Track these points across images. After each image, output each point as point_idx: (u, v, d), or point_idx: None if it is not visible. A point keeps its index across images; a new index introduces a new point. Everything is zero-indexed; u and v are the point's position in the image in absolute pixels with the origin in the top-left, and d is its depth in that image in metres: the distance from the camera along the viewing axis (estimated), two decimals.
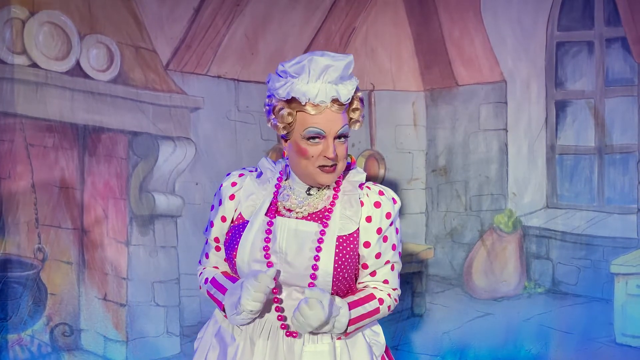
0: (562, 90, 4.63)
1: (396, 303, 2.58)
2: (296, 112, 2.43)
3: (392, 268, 2.55)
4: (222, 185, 2.58)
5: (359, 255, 2.50)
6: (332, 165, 2.45)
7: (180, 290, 4.32)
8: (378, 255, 2.51)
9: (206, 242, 2.66)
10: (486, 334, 4.65)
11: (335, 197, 2.52)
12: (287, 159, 2.55)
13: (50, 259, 4.07)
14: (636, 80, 4.44)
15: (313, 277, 2.44)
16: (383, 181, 4.72)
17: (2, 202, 3.96)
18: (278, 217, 2.49)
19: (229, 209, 2.55)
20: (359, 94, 2.50)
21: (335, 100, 2.42)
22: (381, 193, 2.54)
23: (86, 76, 4.12)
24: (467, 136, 4.76)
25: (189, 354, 4.30)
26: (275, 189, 2.54)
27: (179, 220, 4.33)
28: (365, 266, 2.52)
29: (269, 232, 2.47)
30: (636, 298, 4.40)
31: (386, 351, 2.64)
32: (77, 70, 4.11)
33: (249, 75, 4.45)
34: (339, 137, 2.44)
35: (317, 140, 2.43)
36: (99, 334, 4.18)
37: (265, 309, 2.49)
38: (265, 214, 2.51)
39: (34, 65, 4.01)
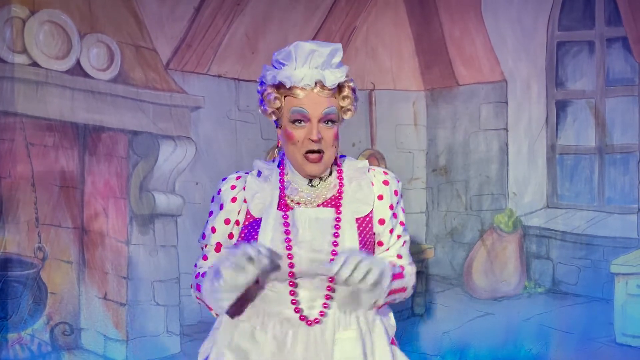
0: (563, 90, 4.63)
1: (414, 282, 2.59)
2: (284, 97, 2.48)
3: (404, 244, 2.59)
4: (220, 190, 2.57)
5: (374, 233, 2.54)
6: (318, 152, 2.46)
7: (180, 290, 4.32)
8: (391, 231, 2.55)
9: (203, 248, 2.62)
10: (486, 334, 4.65)
11: (341, 185, 2.55)
12: (283, 153, 2.57)
13: (51, 258, 4.07)
14: (637, 80, 4.44)
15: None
16: None
17: (2, 201, 3.96)
18: (296, 209, 2.49)
19: (231, 212, 2.54)
20: (351, 83, 2.52)
21: (320, 84, 2.45)
22: (385, 173, 2.61)
23: (86, 75, 4.12)
24: (467, 136, 4.76)
25: (189, 353, 4.30)
26: (280, 184, 2.55)
27: (179, 220, 4.33)
28: (380, 243, 2.56)
29: (286, 224, 2.47)
30: (636, 298, 4.40)
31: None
32: (78, 70, 4.11)
33: (249, 74, 4.45)
34: (325, 121, 2.46)
35: (302, 123, 2.45)
36: (99, 333, 4.18)
37: (282, 304, 2.47)
38: (277, 209, 2.51)
39: (35, 64, 4.01)
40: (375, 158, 4.77)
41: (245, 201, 2.54)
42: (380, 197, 2.55)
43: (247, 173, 2.61)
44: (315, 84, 2.45)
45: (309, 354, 2.46)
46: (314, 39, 4.57)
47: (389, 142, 4.81)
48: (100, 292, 4.18)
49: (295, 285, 2.47)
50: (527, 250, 4.67)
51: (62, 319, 4.11)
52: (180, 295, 4.31)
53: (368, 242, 2.52)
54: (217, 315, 2.57)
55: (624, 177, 4.49)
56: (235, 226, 2.54)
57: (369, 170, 2.60)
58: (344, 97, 2.50)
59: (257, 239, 2.47)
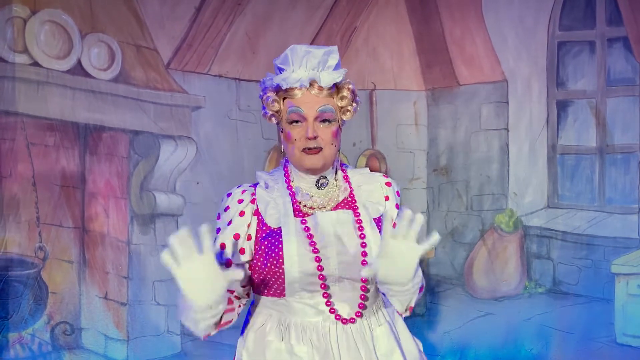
0: (564, 90, 4.63)
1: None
2: (282, 99, 2.51)
3: None
4: (228, 207, 2.53)
5: None
6: (315, 148, 2.48)
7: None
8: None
9: None
10: (487, 334, 4.65)
11: (351, 188, 2.58)
12: (286, 159, 2.57)
13: (51, 257, 4.07)
14: (637, 80, 4.43)
15: (364, 263, 2.45)
16: None
17: (3, 201, 3.96)
18: (316, 213, 2.50)
19: (241, 226, 2.51)
20: (350, 85, 2.54)
21: (315, 84, 2.48)
22: (385, 176, 2.66)
23: (87, 75, 4.13)
24: (468, 136, 4.76)
25: (189, 353, 4.31)
26: (289, 190, 2.55)
27: (180, 219, 4.33)
28: None
29: (307, 229, 2.48)
30: (637, 298, 4.40)
31: None
32: (78, 69, 4.11)
33: (250, 74, 4.46)
34: (322, 120, 2.48)
35: (299, 123, 2.48)
36: (99, 333, 4.18)
37: (315, 312, 2.47)
38: (294, 216, 2.51)
39: (35, 64, 4.01)
40: (376, 158, 4.77)
41: (255, 214, 2.52)
42: (387, 198, 2.60)
43: (252, 186, 2.59)
44: (311, 84, 2.48)
45: (352, 353, 2.46)
46: (314, 38, 4.57)
47: (390, 142, 4.81)
48: (101, 291, 4.18)
49: (326, 287, 2.47)
50: (527, 250, 4.67)
51: (63, 318, 4.11)
52: None
53: None
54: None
55: (624, 177, 4.48)
56: (247, 241, 2.50)
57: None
58: (341, 98, 2.52)
59: (281, 248, 2.45)
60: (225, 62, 4.44)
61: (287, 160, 2.58)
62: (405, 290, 2.41)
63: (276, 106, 2.51)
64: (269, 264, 2.45)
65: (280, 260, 2.44)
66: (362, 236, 2.48)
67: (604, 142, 4.52)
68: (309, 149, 2.48)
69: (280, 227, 2.48)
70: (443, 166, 4.81)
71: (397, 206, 2.60)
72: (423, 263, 4.75)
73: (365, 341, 2.48)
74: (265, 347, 2.50)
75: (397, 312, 2.55)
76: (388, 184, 2.61)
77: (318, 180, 2.55)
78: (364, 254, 2.46)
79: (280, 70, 2.52)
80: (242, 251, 2.50)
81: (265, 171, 2.65)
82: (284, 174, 2.58)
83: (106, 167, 4.19)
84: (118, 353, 4.19)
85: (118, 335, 4.20)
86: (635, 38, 4.42)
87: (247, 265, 2.49)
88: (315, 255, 2.44)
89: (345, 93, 2.52)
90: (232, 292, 2.46)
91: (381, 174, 2.66)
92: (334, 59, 2.51)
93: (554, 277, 4.62)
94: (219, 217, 2.56)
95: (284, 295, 2.47)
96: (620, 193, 4.49)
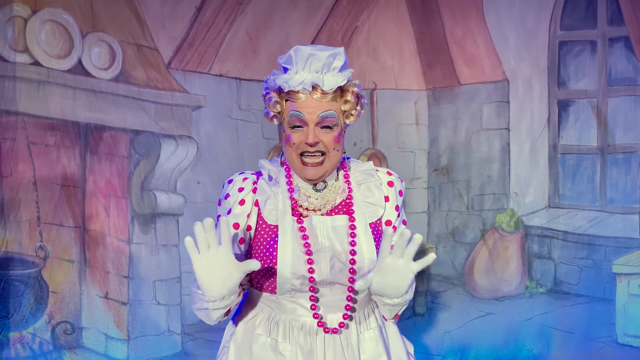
0: (565, 89, 4.63)
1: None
2: (285, 100, 2.48)
3: None
4: (228, 194, 2.53)
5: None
6: (314, 155, 2.45)
7: (181, 289, 4.32)
8: (395, 230, 2.55)
9: None
10: (488, 334, 4.65)
11: (350, 189, 2.54)
12: (283, 156, 2.55)
13: (52, 257, 4.08)
14: (639, 80, 4.43)
15: (352, 271, 2.45)
16: None
17: (3, 200, 3.97)
18: (312, 216, 2.49)
19: (241, 216, 2.50)
20: (355, 88, 2.50)
21: (317, 88, 2.44)
22: (389, 173, 2.62)
23: (88, 74, 4.12)
24: (469, 135, 4.76)
25: (190, 352, 4.31)
26: (288, 186, 2.53)
27: (181, 219, 4.33)
28: None
29: (302, 230, 2.47)
30: (638, 298, 4.39)
31: None
32: (79, 69, 4.11)
33: (250, 73, 4.45)
34: (324, 126, 2.45)
35: (300, 128, 2.45)
36: (100, 332, 4.18)
37: (303, 313, 2.47)
38: (292, 216, 2.50)
39: (36, 63, 4.01)
40: (377, 158, 4.76)
41: (256, 204, 2.51)
42: (387, 199, 2.57)
43: (254, 174, 2.58)
44: (314, 88, 2.44)
45: (338, 357, 2.47)
46: (315, 38, 4.57)
47: (391, 141, 4.80)
48: (101, 291, 4.18)
49: (315, 290, 2.47)
50: (528, 250, 4.67)
51: (64, 318, 4.11)
52: (182, 294, 4.31)
53: None
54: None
55: (625, 177, 4.48)
56: (246, 231, 2.51)
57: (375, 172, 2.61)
58: (345, 102, 2.49)
59: (276, 248, 2.45)
60: (226, 61, 4.44)
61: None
62: (395, 304, 2.45)
63: (278, 107, 2.48)
64: (262, 262, 2.45)
65: (274, 260, 2.45)
66: (353, 243, 2.46)
67: (605, 142, 4.52)
68: (308, 155, 2.46)
69: (277, 225, 2.47)
70: (444, 166, 4.81)
71: (397, 208, 2.57)
72: None
73: (350, 344, 2.48)
74: (253, 341, 2.51)
75: (384, 317, 2.55)
76: (390, 184, 2.58)
77: (316, 183, 2.54)
78: (352, 262, 2.45)
79: (285, 69, 2.48)
80: (242, 241, 2.51)
81: (268, 160, 2.62)
82: (285, 169, 2.56)
83: (107, 166, 4.19)
84: (118, 352, 4.20)
85: (119, 335, 4.20)
86: (636, 38, 4.41)
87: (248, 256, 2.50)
88: (308, 257, 2.44)
89: (349, 97, 2.48)
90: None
91: (385, 171, 2.63)
92: (339, 60, 2.46)
93: (555, 277, 4.61)
94: (219, 204, 2.56)
95: (275, 293, 2.47)
96: (622, 193, 4.49)
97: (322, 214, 2.50)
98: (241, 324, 2.54)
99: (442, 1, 4.72)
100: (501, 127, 4.72)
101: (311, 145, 2.44)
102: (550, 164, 4.64)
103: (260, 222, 2.50)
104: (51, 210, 4.07)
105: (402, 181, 2.63)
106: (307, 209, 2.51)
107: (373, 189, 2.56)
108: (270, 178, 2.55)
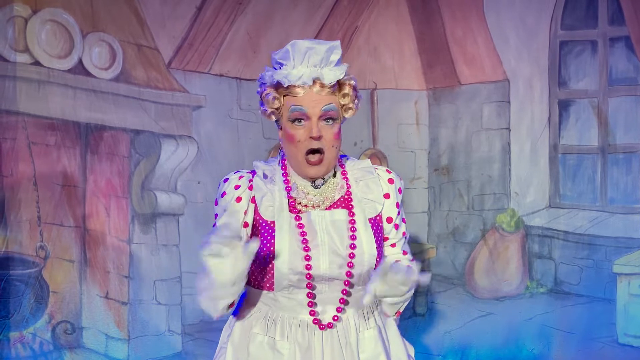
0: (565, 89, 4.62)
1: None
2: (283, 96, 2.46)
3: (406, 239, 2.65)
4: (225, 192, 2.53)
5: (384, 232, 2.57)
6: (318, 151, 2.44)
7: (182, 289, 4.32)
8: (397, 227, 2.58)
9: None
10: (488, 334, 4.65)
11: (348, 185, 2.54)
12: (282, 151, 2.55)
13: (52, 257, 4.08)
14: (639, 80, 4.43)
15: (350, 265, 2.45)
16: None
17: (4, 200, 3.97)
18: (310, 212, 2.48)
19: (238, 213, 2.49)
20: (352, 81, 2.50)
21: (318, 82, 2.44)
22: (389, 171, 2.63)
23: (88, 74, 4.13)
24: (469, 135, 4.75)
25: (190, 352, 4.31)
26: (285, 184, 2.53)
27: (181, 219, 4.33)
28: (386, 239, 2.58)
29: (300, 226, 2.46)
30: (638, 298, 4.39)
31: None
32: (80, 69, 4.11)
33: (251, 73, 4.45)
34: (326, 119, 2.45)
35: (302, 123, 2.44)
36: (100, 332, 4.18)
37: (300, 309, 2.47)
38: (289, 212, 2.49)
39: (37, 63, 4.01)
40: (377, 157, 4.76)
41: (252, 201, 2.51)
42: (387, 196, 2.56)
43: (249, 172, 2.58)
44: (314, 82, 2.44)
45: (335, 355, 2.46)
46: (315, 38, 4.56)
47: (391, 141, 4.80)
48: (101, 291, 4.18)
49: (313, 287, 2.46)
50: (529, 250, 4.67)
51: (64, 317, 4.12)
52: (182, 294, 4.31)
53: (381, 242, 2.53)
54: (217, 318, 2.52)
55: (626, 177, 4.48)
56: (243, 228, 2.49)
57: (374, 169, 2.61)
58: (344, 95, 2.49)
59: (273, 244, 2.45)
60: (226, 61, 4.44)
61: (284, 154, 2.57)
62: (397, 302, 2.46)
63: (277, 104, 2.47)
64: (259, 258, 2.45)
65: (271, 256, 2.44)
66: (353, 237, 2.46)
67: (605, 142, 4.52)
68: (313, 152, 2.45)
69: (273, 221, 2.47)
70: (444, 166, 4.81)
71: (397, 205, 2.58)
72: (424, 263, 4.76)
73: (349, 343, 2.47)
74: (250, 340, 2.50)
75: (386, 314, 2.55)
76: (390, 181, 2.58)
77: (314, 180, 2.54)
78: (352, 256, 2.45)
79: (280, 65, 2.47)
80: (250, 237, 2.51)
81: (262, 160, 2.62)
82: (282, 167, 2.56)
83: (107, 166, 4.19)
84: (119, 352, 4.20)
85: (119, 335, 4.20)
86: (637, 37, 4.41)
87: None
88: (306, 253, 2.44)
89: (347, 90, 2.48)
90: None
91: (385, 169, 2.63)
92: (336, 54, 2.46)
93: (556, 277, 4.61)
94: (216, 203, 2.55)
95: (273, 290, 2.47)
96: (622, 193, 4.48)
97: (321, 210, 2.50)
98: (238, 324, 2.54)
99: (443, 1, 4.72)
100: (502, 127, 4.72)
101: (316, 139, 2.43)
102: (550, 163, 4.64)
103: (257, 218, 2.50)
104: (51, 210, 4.07)
105: (401, 179, 2.63)
106: (305, 205, 2.51)
107: (371, 186, 2.56)
108: (265, 176, 2.54)
